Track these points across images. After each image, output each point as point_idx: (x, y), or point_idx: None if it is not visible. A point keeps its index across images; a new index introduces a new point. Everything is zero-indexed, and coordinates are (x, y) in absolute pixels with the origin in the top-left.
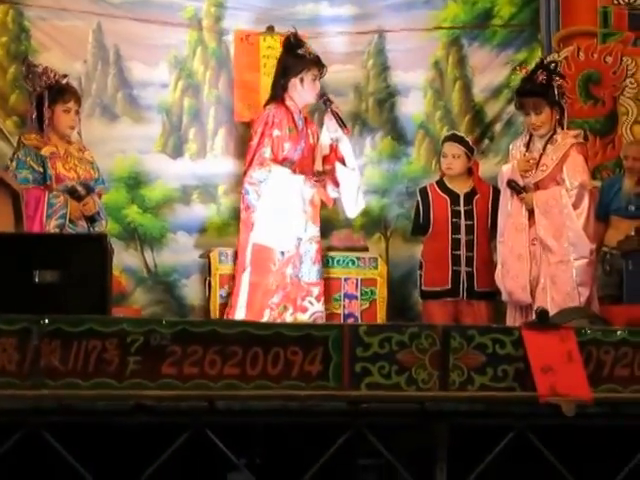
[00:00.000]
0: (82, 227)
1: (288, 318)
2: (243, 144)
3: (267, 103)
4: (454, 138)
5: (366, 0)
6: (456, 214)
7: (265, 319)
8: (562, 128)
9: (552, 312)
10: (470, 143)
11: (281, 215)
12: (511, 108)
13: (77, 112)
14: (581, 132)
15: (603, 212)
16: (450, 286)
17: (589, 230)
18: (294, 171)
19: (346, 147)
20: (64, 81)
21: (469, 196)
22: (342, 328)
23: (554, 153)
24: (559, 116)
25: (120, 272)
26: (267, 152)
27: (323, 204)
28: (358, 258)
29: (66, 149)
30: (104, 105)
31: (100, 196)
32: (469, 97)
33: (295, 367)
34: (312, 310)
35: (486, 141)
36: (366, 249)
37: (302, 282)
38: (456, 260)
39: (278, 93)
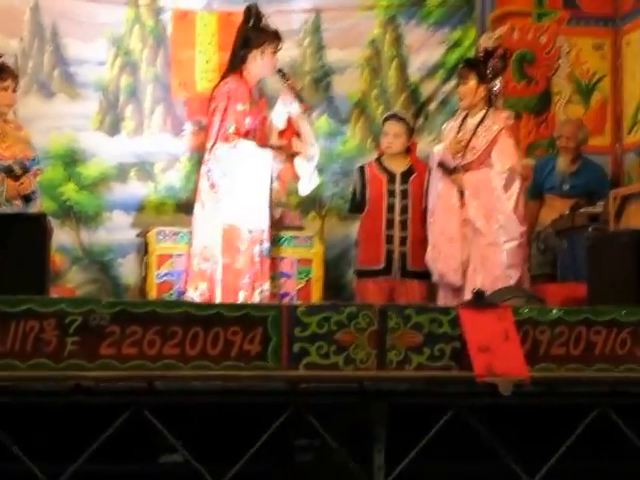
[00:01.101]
0: (17, 206)
1: (257, 298)
2: (180, 121)
3: (224, 75)
4: (396, 117)
5: None
6: (391, 193)
7: (240, 300)
8: (494, 108)
9: None
10: (411, 123)
11: (251, 192)
12: (446, 87)
13: (14, 90)
14: (511, 114)
15: (537, 191)
16: (384, 265)
17: (519, 213)
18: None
19: (303, 122)
20: (0, 60)
21: (405, 175)
22: (281, 308)
23: (484, 136)
24: (486, 93)
25: (55, 251)
26: (231, 127)
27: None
28: (294, 237)
29: (2, 128)
30: (40, 82)
31: (36, 176)
32: (405, 76)
33: (235, 347)
34: (261, 289)
35: (421, 120)
36: (302, 228)
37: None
38: (390, 239)
39: (236, 65)
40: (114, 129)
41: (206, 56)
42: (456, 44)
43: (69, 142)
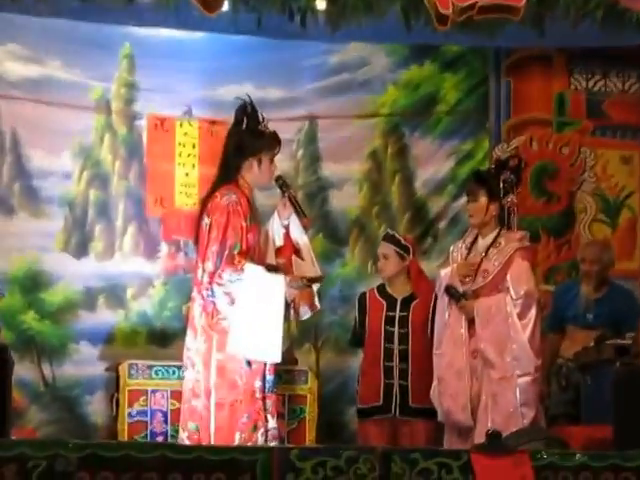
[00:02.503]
0: None
1: (259, 440)
2: (155, 242)
3: (215, 187)
4: (385, 237)
5: (295, 83)
6: (390, 320)
7: (237, 442)
8: (508, 228)
9: None
10: (402, 241)
11: (263, 323)
12: (457, 204)
13: None
14: (526, 234)
15: (558, 320)
16: (382, 402)
17: (535, 344)
18: None
19: (303, 238)
20: None
21: (407, 301)
22: (271, 451)
23: (497, 258)
24: (498, 212)
25: (13, 387)
26: (237, 247)
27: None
28: (286, 371)
29: None
30: None
31: None
32: (410, 191)
33: None
34: (267, 426)
35: (429, 240)
36: (295, 362)
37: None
38: (389, 372)
39: (230, 175)
40: (81, 250)
41: (186, 168)
42: (467, 156)
43: (31, 264)
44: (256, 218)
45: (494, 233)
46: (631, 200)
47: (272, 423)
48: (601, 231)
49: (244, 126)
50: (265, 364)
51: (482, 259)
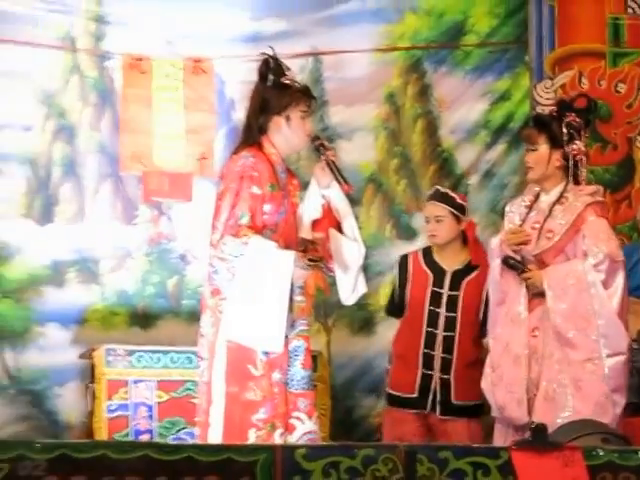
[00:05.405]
0: None
1: (277, 440)
2: (132, 204)
3: (237, 150)
4: (435, 195)
5: (295, 12)
6: (436, 299)
7: (251, 441)
8: (576, 182)
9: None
10: (457, 199)
11: (264, 306)
12: (491, 154)
13: None
14: (600, 188)
15: None
16: (417, 394)
17: (624, 317)
18: (277, 242)
19: (345, 209)
20: None
21: (458, 275)
22: (273, 451)
23: (563, 216)
24: (562, 162)
25: None
26: (244, 217)
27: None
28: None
29: None
30: None
31: None
32: (434, 140)
33: None
34: (302, 430)
35: None
36: None
37: (290, 392)
38: (428, 361)
39: (254, 136)
40: (45, 216)
41: (168, 117)
42: (503, 97)
43: None
44: (286, 187)
45: (559, 187)
46: None
47: (309, 425)
48: None
49: (268, 82)
50: (288, 355)
51: (545, 218)
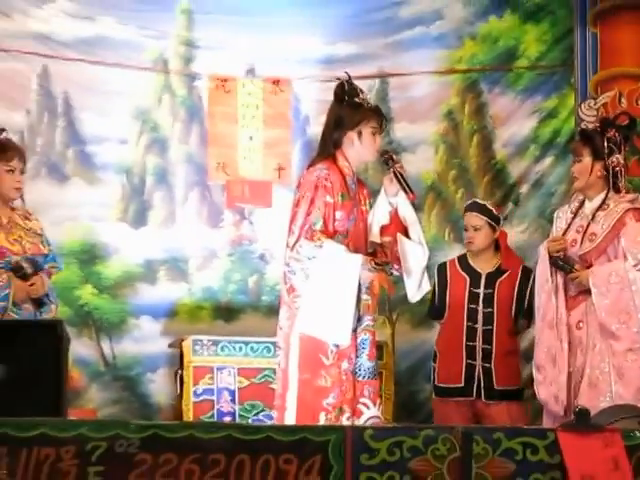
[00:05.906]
0: (28, 311)
1: (345, 423)
2: (218, 210)
3: (313, 162)
4: (474, 207)
5: (365, 37)
6: (473, 298)
7: (321, 423)
8: (616, 191)
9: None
10: (494, 211)
11: (334, 303)
12: (540, 166)
13: (22, 172)
14: (638, 196)
15: None
16: (463, 383)
17: None
18: (347, 246)
19: (411, 216)
20: (2, 136)
21: (492, 276)
22: (344, 431)
23: (605, 220)
24: (603, 173)
25: (71, 365)
26: (318, 223)
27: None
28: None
29: (10, 217)
30: (51, 164)
31: (50, 275)
32: (489, 153)
33: (289, 479)
34: (367, 414)
35: (510, 205)
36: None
37: (357, 380)
38: (471, 353)
39: (329, 150)
40: (139, 220)
41: (249, 132)
42: (550, 114)
43: (86, 235)
44: (356, 196)
45: (602, 195)
46: None
47: (374, 410)
48: None
49: (344, 102)
50: (356, 347)
51: (589, 223)
